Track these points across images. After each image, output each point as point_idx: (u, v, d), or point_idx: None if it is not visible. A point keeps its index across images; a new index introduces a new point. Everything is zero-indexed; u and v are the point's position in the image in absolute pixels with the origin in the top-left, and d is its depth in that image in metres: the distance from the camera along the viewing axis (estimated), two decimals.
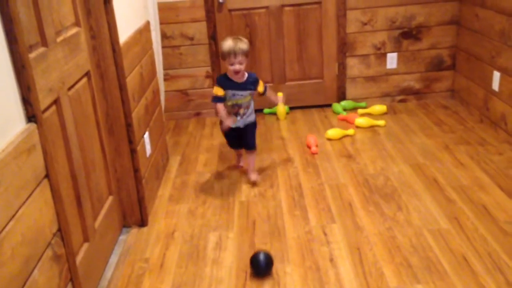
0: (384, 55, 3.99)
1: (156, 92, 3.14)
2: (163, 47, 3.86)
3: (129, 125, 2.44)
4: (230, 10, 3.87)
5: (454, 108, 3.93)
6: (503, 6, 3.24)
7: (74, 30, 2.05)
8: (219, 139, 3.69)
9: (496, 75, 3.35)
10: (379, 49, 3.97)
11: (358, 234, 2.43)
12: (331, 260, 2.26)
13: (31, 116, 1.48)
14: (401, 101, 4.13)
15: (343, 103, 4.03)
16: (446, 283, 2.07)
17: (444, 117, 3.76)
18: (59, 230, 1.61)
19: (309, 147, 3.38)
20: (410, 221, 2.50)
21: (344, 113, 3.92)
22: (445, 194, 2.72)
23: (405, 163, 3.09)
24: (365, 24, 3.90)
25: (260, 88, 2.92)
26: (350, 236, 2.42)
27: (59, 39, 1.86)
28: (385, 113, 3.91)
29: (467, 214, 2.52)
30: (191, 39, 3.91)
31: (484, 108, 3.56)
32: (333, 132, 3.48)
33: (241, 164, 3.20)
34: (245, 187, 2.96)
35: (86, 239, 2.07)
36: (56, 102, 1.82)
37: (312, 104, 4.15)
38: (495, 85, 3.38)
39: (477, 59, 3.64)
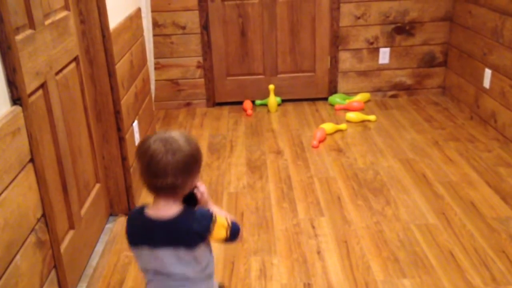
0: (376, 50, 3.98)
1: (146, 81, 3.10)
2: (154, 35, 3.82)
3: (117, 113, 2.41)
4: (223, 0, 3.84)
5: (444, 104, 3.94)
6: (496, 4, 3.24)
7: (63, 14, 2.01)
8: (209, 130, 3.67)
9: (488, 72, 3.36)
10: (371, 43, 3.96)
11: (346, 228, 2.43)
12: (319, 252, 2.26)
13: (16, 99, 1.45)
14: (392, 96, 4.13)
15: (336, 95, 4.03)
16: (433, 278, 2.07)
17: (434, 114, 3.76)
18: (44, 215, 1.59)
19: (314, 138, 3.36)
20: (398, 215, 2.50)
21: (344, 102, 3.92)
22: (433, 189, 2.72)
23: (395, 158, 3.09)
24: (359, 18, 3.89)
25: None
26: (338, 229, 2.42)
27: (47, 22, 1.83)
28: (369, 100, 4.02)
29: (454, 210, 2.52)
30: (183, 28, 3.87)
31: (475, 105, 3.57)
32: (327, 127, 3.47)
33: None
34: (234, 179, 2.94)
35: (71, 226, 2.04)
36: (43, 86, 1.78)
37: (304, 97, 4.14)
38: (486, 83, 3.38)
39: (469, 56, 3.64)
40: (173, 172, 1.27)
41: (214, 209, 1.44)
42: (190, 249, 1.32)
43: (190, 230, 1.31)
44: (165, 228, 1.31)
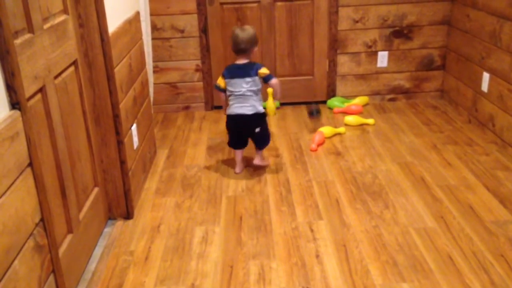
0: (375, 53, 3.99)
1: (144, 84, 3.10)
2: (153, 38, 3.82)
3: (116, 116, 2.41)
4: (221, 4, 3.84)
5: (443, 108, 3.94)
6: (494, 7, 3.25)
7: (61, 18, 2.01)
8: (208, 133, 3.67)
9: (486, 76, 3.37)
10: (370, 47, 3.97)
11: (345, 231, 2.43)
12: (317, 256, 2.26)
13: (15, 103, 1.45)
14: (390, 100, 4.13)
15: (335, 99, 4.03)
16: (431, 281, 2.07)
17: (432, 117, 3.77)
18: (42, 220, 1.58)
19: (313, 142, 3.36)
20: (397, 219, 2.50)
21: (342, 106, 3.92)
22: (432, 193, 2.72)
23: (393, 162, 3.09)
24: (357, 21, 3.89)
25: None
26: (337, 233, 2.42)
27: (46, 26, 1.83)
28: (367, 104, 4.03)
29: (453, 214, 2.52)
30: (182, 31, 3.87)
31: (473, 108, 3.57)
32: (325, 130, 3.47)
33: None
34: (232, 182, 2.94)
35: (70, 230, 2.04)
36: (41, 90, 1.78)
37: (302, 101, 4.14)
38: (484, 86, 3.39)
39: (467, 59, 3.65)
40: (245, 41, 2.83)
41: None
42: (253, 77, 2.86)
43: (253, 68, 2.87)
44: (243, 68, 2.87)
